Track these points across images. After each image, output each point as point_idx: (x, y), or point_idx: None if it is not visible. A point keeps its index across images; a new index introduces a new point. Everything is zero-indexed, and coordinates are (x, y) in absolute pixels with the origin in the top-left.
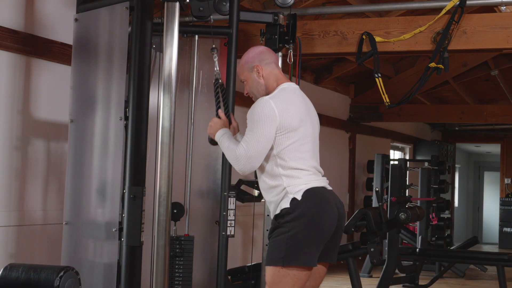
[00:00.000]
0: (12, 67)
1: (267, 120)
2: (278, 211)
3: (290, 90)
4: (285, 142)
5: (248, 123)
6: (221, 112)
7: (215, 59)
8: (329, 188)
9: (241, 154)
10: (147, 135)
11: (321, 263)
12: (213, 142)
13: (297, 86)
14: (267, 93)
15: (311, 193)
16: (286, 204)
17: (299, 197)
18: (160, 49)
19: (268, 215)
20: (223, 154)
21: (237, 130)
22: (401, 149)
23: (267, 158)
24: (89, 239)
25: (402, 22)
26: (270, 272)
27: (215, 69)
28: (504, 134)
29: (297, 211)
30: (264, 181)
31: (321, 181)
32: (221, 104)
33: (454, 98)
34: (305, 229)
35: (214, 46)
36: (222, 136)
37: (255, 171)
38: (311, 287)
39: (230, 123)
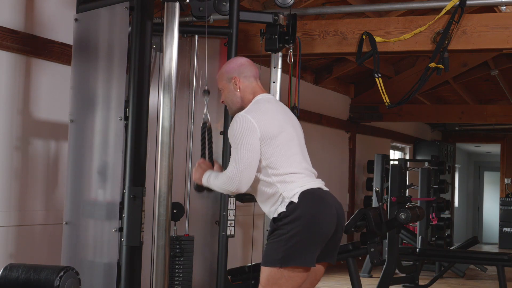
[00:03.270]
0: (12, 67)
1: (248, 134)
2: (276, 215)
3: (264, 100)
4: (271, 151)
5: (231, 142)
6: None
7: (206, 102)
8: (326, 189)
9: (233, 172)
10: (147, 135)
11: (320, 263)
12: (199, 188)
13: (272, 96)
14: (242, 106)
15: (308, 195)
16: (283, 208)
17: (295, 200)
18: (160, 49)
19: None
20: (222, 155)
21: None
22: (401, 149)
23: (258, 171)
24: (89, 239)
25: (402, 22)
26: (266, 273)
27: (205, 111)
28: (504, 134)
29: (295, 213)
30: (260, 194)
31: (316, 182)
32: (206, 148)
33: (454, 98)
34: (303, 230)
35: (206, 88)
36: (209, 176)
37: (251, 189)
38: None
39: (213, 166)
